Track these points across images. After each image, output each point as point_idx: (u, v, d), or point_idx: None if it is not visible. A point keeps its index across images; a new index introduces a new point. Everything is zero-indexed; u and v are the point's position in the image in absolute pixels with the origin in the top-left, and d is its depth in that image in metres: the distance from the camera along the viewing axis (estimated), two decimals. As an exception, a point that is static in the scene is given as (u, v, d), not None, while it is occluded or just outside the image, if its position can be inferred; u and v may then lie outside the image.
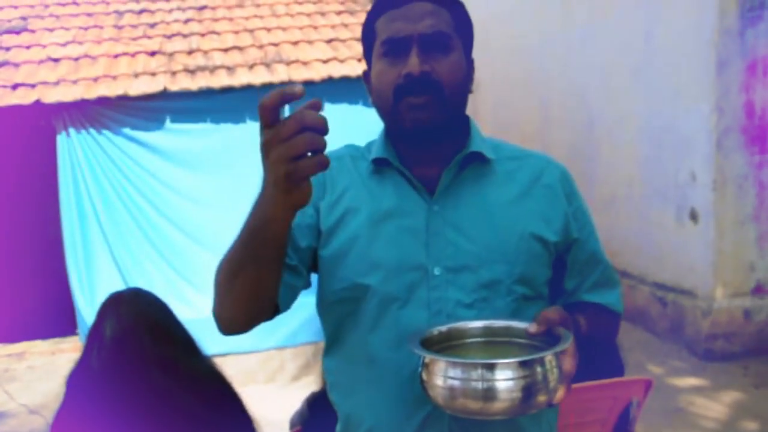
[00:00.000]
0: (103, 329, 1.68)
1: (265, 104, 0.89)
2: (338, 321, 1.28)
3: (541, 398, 1.00)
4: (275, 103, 0.89)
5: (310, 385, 2.45)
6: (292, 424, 2.38)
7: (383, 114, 1.26)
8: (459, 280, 1.20)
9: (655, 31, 5.27)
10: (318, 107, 0.91)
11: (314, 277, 1.33)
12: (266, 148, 0.90)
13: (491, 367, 0.98)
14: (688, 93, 4.92)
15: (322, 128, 0.89)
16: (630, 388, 2.47)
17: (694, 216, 4.94)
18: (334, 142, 1.37)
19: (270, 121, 0.90)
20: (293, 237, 1.23)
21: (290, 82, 5.18)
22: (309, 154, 0.89)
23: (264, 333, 5.00)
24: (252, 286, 1.10)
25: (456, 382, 0.99)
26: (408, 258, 1.21)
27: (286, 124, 0.88)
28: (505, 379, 0.98)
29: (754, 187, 4.76)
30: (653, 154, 5.36)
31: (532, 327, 1.08)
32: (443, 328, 1.14)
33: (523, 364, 0.99)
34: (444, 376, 1.00)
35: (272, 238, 1.02)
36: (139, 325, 1.68)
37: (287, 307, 1.23)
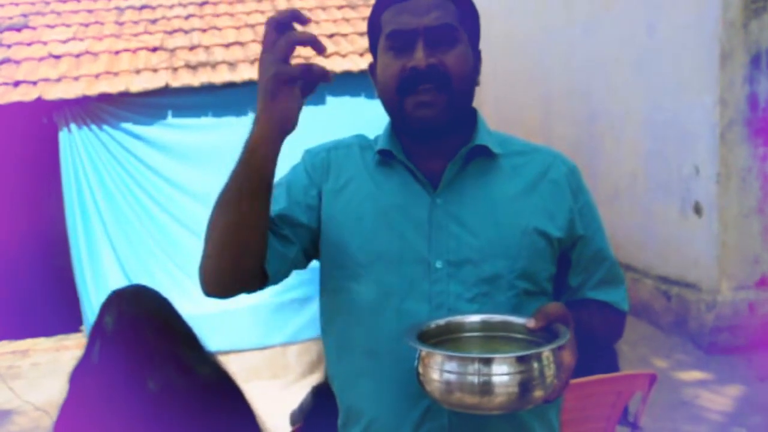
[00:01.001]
0: (105, 325, 1.68)
1: (273, 20, 0.98)
2: (339, 311, 1.28)
3: (538, 394, 0.99)
4: (282, 20, 0.97)
5: (315, 380, 2.45)
6: (293, 421, 2.38)
7: (388, 108, 1.25)
8: (460, 274, 1.20)
9: (657, 24, 5.25)
10: (303, 20, 1.00)
11: (315, 271, 1.32)
12: (260, 61, 0.99)
13: (488, 362, 0.98)
14: (691, 86, 4.91)
15: (312, 41, 0.98)
16: (635, 382, 2.47)
17: (698, 209, 4.93)
18: (335, 136, 1.38)
19: (269, 40, 0.98)
20: (291, 213, 1.23)
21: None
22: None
23: (269, 329, 5.00)
24: (237, 228, 1.10)
25: (452, 376, 0.99)
26: (410, 251, 1.21)
27: (279, 40, 0.97)
28: (501, 374, 0.97)
29: (758, 180, 4.75)
30: (656, 148, 5.35)
31: (530, 322, 1.08)
32: (441, 321, 1.13)
33: (519, 359, 0.98)
34: (440, 369, 1.00)
35: (259, 163, 1.05)
36: (140, 321, 1.69)
37: (276, 275, 1.20)
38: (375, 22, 1.27)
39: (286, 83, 0.97)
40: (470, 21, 1.25)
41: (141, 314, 1.70)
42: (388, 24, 1.22)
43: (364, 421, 1.26)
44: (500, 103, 7.38)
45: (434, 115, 1.19)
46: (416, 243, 1.21)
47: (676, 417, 3.88)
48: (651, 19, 5.31)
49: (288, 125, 1.01)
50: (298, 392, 2.46)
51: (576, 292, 1.31)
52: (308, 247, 1.26)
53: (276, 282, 1.22)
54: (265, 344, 4.99)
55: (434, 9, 1.19)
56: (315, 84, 1.01)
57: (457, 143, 1.25)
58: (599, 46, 6.01)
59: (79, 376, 1.70)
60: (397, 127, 1.28)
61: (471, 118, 1.29)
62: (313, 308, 4.90)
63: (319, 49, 0.98)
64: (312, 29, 5.07)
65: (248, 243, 1.12)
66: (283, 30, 0.98)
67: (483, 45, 1.30)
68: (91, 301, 5.08)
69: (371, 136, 1.36)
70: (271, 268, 1.18)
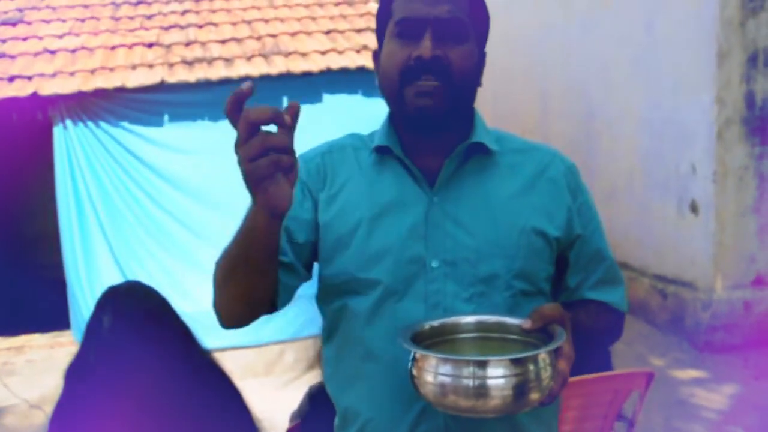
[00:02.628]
0: (101, 322, 1.67)
1: (225, 113, 0.91)
2: (336, 312, 1.27)
3: (534, 396, 0.98)
4: (231, 108, 0.91)
5: (311, 379, 2.44)
6: (292, 419, 2.37)
7: (388, 96, 1.24)
8: (457, 273, 1.19)
9: (655, 22, 5.25)
10: (294, 110, 0.92)
11: (315, 267, 1.32)
12: (237, 153, 0.93)
13: (483, 364, 0.96)
14: (688, 84, 4.91)
15: (271, 119, 0.90)
16: (631, 380, 2.46)
17: (694, 208, 4.93)
18: (332, 134, 1.37)
19: (234, 125, 0.92)
20: (290, 232, 1.22)
21: (288, 74, 5.16)
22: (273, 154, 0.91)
23: (264, 327, 4.98)
24: (245, 287, 1.12)
25: (447, 379, 0.97)
26: (406, 250, 1.20)
27: (239, 126, 0.91)
28: (496, 377, 0.96)
29: (755, 179, 4.75)
30: (654, 146, 5.35)
31: (526, 323, 1.06)
32: (435, 322, 1.12)
33: (515, 362, 0.97)
34: (434, 372, 0.98)
35: (259, 244, 1.05)
36: (136, 317, 1.68)
37: (284, 305, 1.23)
38: (386, 8, 1.25)
39: (263, 179, 0.92)
40: (481, 21, 1.25)
41: (137, 311, 1.69)
42: (399, 11, 1.21)
43: (359, 422, 1.25)
44: (498, 100, 7.37)
45: (433, 105, 1.17)
46: (412, 242, 1.20)
47: (672, 415, 3.88)
48: (649, 17, 5.31)
49: (282, 209, 0.96)
50: (294, 390, 2.45)
51: (574, 292, 1.30)
52: (309, 259, 1.27)
53: (286, 303, 1.26)
54: (261, 342, 4.99)
55: (447, 1, 1.18)
56: (292, 168, 0.94)
57: (455, 140, 1.24)
58: (597, 44, 6.00)
59: (74, 373, 1.69)
60: (395, 118, 1.27)
61: (469, 116, 1.28)
62: (310, 306, 4.88)
63: (283, 124, 0.91)
64: (309, 26, 5.01)
65: (260, 295, 1.16)
66: (253, 126, 0.90)
67: (486, 43, 1.29)
68: (86, 298, 5.05)
69: (367, 132, 1.35)
70: (281, 301, 1.21)
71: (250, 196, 0.96)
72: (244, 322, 1.21)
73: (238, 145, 0.91)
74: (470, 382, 0.96)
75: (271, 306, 1.20)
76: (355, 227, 1.22)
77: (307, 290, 1.34)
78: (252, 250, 1.06)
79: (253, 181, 0.92)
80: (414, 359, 1.03)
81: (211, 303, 1.22)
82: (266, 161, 0.90)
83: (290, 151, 0.92)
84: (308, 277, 1.28)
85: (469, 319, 1.13)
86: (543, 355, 0.99)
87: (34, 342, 5.63)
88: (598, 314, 1.29)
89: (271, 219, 0.99)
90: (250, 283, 1.12)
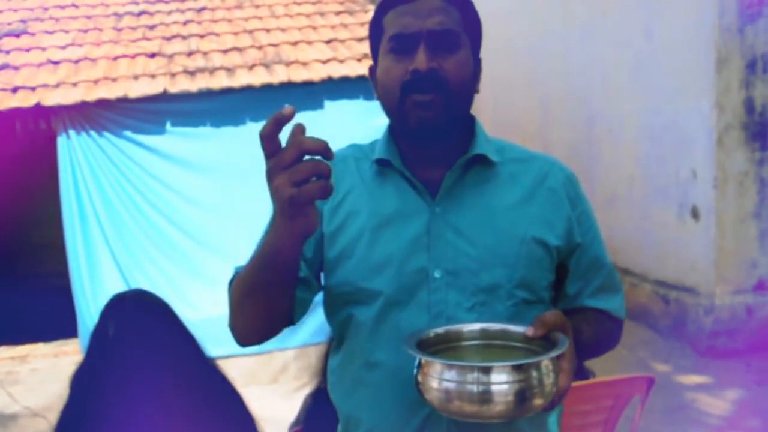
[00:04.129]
0: (106, 329, 1.68)
1: (262, 134, 0.91)
2: (342, 323, 1.29)
3: (537, 402, 1.00)
4: (271, 130, 0.91)
5: (313, 386, 2.45)
6: (291, 428, 2.38)
7: (388, 111, 1.25)
8: (459, 283, 1.20)
9: (654, 29, 5.27)
10: (302, 131, 0.92)
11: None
12: (270, 177, 0.93)
13: (487, 370, 0.98)
14: (688, 90, 4.92)
15: (323, 151, 0.91)
16: (633, 385, 2.47)
17: (695, 214, 4.94)
18: (334, 143, 1.37)
19: (270, 150, 0.92)
20: (305, 249, 1.24)
21: (289, 83, 5.19)
22: (314, 179, 0.92)
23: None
24: (265, 308, 1.15)
25: (451, 385, 0.99)
26: (409, 260, 1.21)
27: (287, 150, 0.91)
28: (500, 383, 0.97)
29: (755, 184, 4.76)
30: (654, 152, 5.36)
31: (529, 331, 1.07)
32: (440, 330, 1.13)
33: (518, 368, 0.98)
34: (439, 378, 1.00)
35: (282, 265, 1.06)
36: (142, 325, 1.69)
37: (300, 318, 1.27)
38: (377, 25, 1.26)
39: (306, 204, 0.93)
40: (473, 28, 1.25)
41: (143, 318, 1.71)
42: (391, 26, 1.22)
43: (362, 430, 1.26)
44: (498, 107, 7.39)
45: (433, 116, 1.18)
46: (415, 252, 1.21)
47: (674, 421, 3.88)
48: (648, 24, 5.33)
49: (309, 233, 0.98)
50: (298, 398, 2.46)
51: (573, 299, 1.31)
52: (319, 271, 1.29)
53: (301, 318, 1.29)
54: (263, 349, 4.99)
55: (437, 13, 1.19)
56: (330, 194, 0.94)
57: (456, 151, 1.25)
58: (597, 51, 6.02)
59: (80, 380, 1.70)
60: (395, 132, 1.28)
61: (469, 125, 1.29)
62: (313, 314, 4.89)
63: (328, 157, 0.92)
64: (310, 35, 5.05)
65: (279, 314, 1.19)
66: (278, 143, 0.92)
67: (481, 50, 1.31)
68: (89, 307, 5.06)
69: (368, 141, 1.36)
70: (297, 315, 1.25)
71: (282, 218, 0.96)
72: (264, 339, 1.23)
73: (281, 168, 0.91)
74: (474, 388, 0.97)
75: (289, 321, 1.23)
76: (358, 238, 1.23)
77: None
78: (275, 272, 1.08)
79: (295, 204, 0.92)
80: (419, 365, 1.04)
81: (227, 324, 1.24)
82: (315, 187, 0.91)
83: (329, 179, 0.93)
84: (320, 288, 1.31)
85: (473, 326, 1.14)
86: (546, 361, 1.00)
87: (39, 351, 5.64)
88: (597, 321, 1.31)
89: (297, 241, 1.01)
90: (272, 302, 1.14)
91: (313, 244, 1.25)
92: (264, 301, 1.14)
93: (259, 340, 1.23)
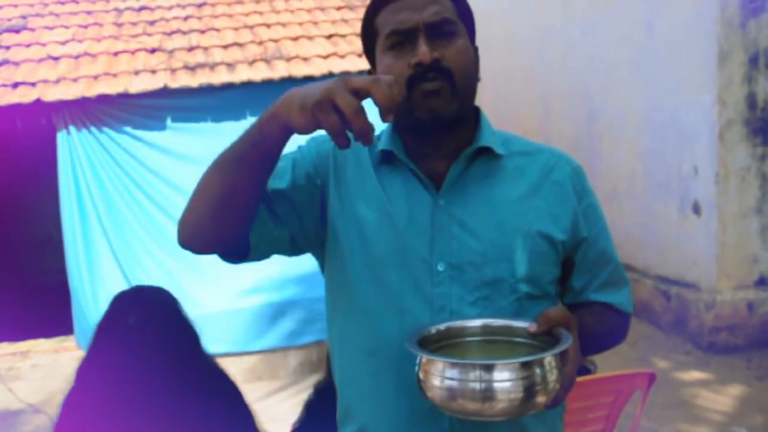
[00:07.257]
0: (126, 319, 1.70)
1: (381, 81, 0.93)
2: (342, 310, 1.28)
3: (540, 399, 0.99)
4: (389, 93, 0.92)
5: (316, 384, 2.45)
6: (298, 421, 2.38)
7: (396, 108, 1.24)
8: (462, 276, 1.18)
9: (656, 23, 5.26)
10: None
11: (316, 274, 1.33)
12: (335, 83, 0.93)
13: (489, 368, 0.97)
14: (689, 85, 4.91)
15: (366, 132, 0.92)
16: (634, 381, 2.47)
17: (696, 209, 4.93)
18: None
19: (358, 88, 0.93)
20: (290, 195, 1.22)
21: (290, 78, 5.17)
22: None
23: (269, 333, 4.99)
24: (222, 199, 1.10)
25: (453, 383, 0.98)
26: (412, 253, 1.20)
27: (358, 91, 0.92)
28: (503, 380, 0.96)
29: (757, 179, 4.75)
30: (655, 147, 5.35)
31: (532, 327, 1.07)
32: (441, 326, 1.12)
33: (521, 365, 0.97)
34: (441, 376, 0.99)
35: (262, 148, 1.05)
36: (161, 318, 1.72)
37: (257, 249, 1.20)
38: (369, 26, 1.25)
39: (322, 120, 0.93)
40: (467, 16, 1.25)
41: (161, 312, 1.74)
42: (386, 25, 1.21)
43: (362, 418, 1.25)
44: (499, 102, 7.38)
45: (443, 104, 1.17)
46: (418, 245, 1.20)
47: (676, 416, 3.88)
48: (650, 18, 5.32)
49: (300, 132, 0.99)
50: (298, 395, 2.46)
51: (579, 294, 1.30)
52: (297, 234, 1.24)
53: (255, 257, 1.22)
54: (265, 347, 4.98)
55: (432, 4, 1.19)
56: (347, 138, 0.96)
57: (460, 143, 1.24)
58: (598, 46, 6.01)
59: (86, 372, 1.71)
60: (403, 126, 1.26)
61: (474, 117, 1.28)
62: (314, 311, 4.89)
63: (366, 142, 0.94)
64: (311, 30, 5.03)
65: (236, 208, 1.11)
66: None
67: (482, 44, 1.30)
68: (88, 302, 5.06)
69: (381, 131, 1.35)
70: (254, 237, 1.18)
71: (292, 110, 0.95)
72: (206, 241, 1.17)
73: (350, 89, 0.92)
74: (477, 386, 0.96)
75: (243, 243, 1.17)
76: (361, 229, 1.22)
77: (310, 294, 1.35)
78: (252, 150, 1.05)
79: (321, 108, 0.92)
80: (421, 363, 1.03)
81: (179, 219, 1.20)
82: (359, 106, 0.92)
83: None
84: (287, 248, 1.26)
85: (476, 322, 1.14)
86: (549, 358, 0.99)
87: (39, 347, 5.64)
88: (604, 316, 1.29)
89: (287, 134, 1.01)
90: (232, 195, 1.09)
91: (306, 200, 1.23)
92: (224, 192, 1.09)
93: (203, 240, 1.17)
